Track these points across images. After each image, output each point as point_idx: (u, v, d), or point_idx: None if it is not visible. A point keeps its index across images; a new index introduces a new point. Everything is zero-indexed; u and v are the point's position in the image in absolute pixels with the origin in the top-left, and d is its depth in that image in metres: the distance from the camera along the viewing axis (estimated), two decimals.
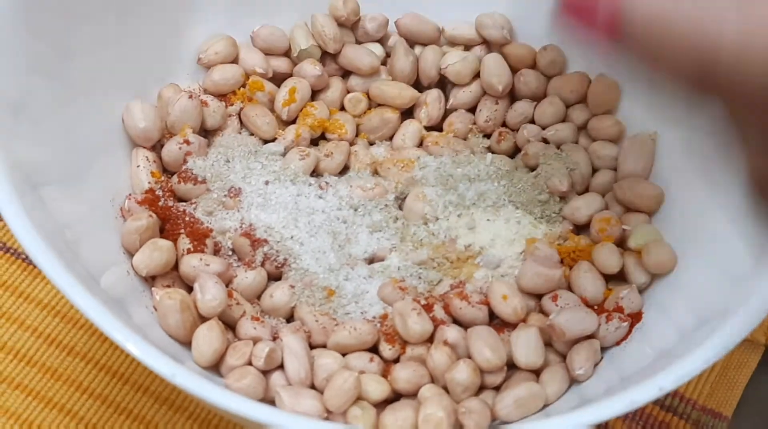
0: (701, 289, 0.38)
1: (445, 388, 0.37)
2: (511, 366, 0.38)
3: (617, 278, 0.41)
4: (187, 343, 0.38)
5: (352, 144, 0.46)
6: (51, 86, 0.39)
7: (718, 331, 0.32)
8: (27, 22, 0.38)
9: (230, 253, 0.41)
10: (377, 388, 0.37)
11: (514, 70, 0.47)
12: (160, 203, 0.41)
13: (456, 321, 0.40)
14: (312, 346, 0.39)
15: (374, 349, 0.39)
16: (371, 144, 0.47)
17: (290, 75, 0.47)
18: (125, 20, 0.43)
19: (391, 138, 0.47)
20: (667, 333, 0.38)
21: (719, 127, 0.41)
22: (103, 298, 0.33)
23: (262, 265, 0.41)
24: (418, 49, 0.48)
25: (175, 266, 0.40)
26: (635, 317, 0.40)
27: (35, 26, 0.38)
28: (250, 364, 0.37)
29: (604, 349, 0.39)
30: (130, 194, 0.42)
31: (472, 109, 0.47)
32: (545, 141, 0.45)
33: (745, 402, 0.45)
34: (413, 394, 0.37)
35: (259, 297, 0.40)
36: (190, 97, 0.43)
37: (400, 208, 0.44)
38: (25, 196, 0.34)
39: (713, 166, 0.41)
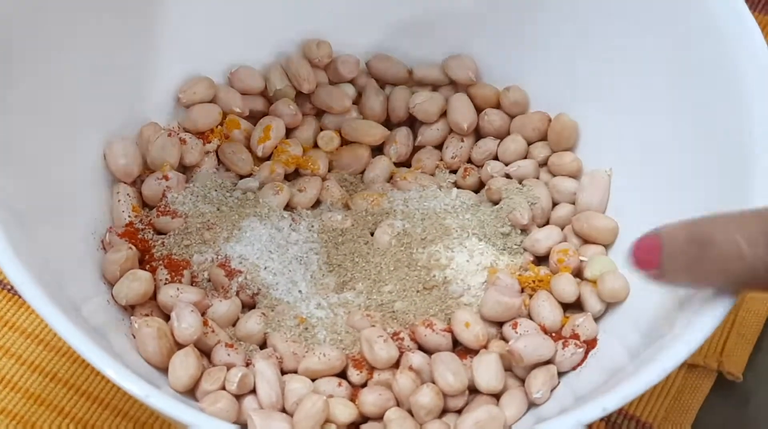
0: (650, 314, 0.40)
1: (410, 412, 0.39)
2: (473, 390, 0.40)
3: (574, 306, 0.43)
4: (164, 369, 0.39)
5: (324, 179, 0.48)
6: (36, 126, 0.41)
7: (660, 354, 0.34)
8: (11, 65, 0.40)
9: (206, 282, 0.43)
10: (345, 411, 0.39)
11: (479, 110, 0.49)
12: (140, 236, 0.43)
13: (421, 347, 0.42)
14: (283, 372, 0.41)
15: (343, 374, 0.41)
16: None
17: (266, 114, 0.49)
18: (108, 63, 0.45)
19: (362, 173, 0.49)
20: (619, 356, 0.40)
21: (670, 165, 0.43)
22: (84, 326, 0.35)
23: (237, 294, 0.43)
24: (388, 89, 0.50)
25: (154, 296, 0.42)
26: (590, 343, 0.42)
27: (19, 69, 0.41)
28: (224, 388, 0.39)
29: (561, 373, 0.41)
30: (111, 227, 0.44)
31: (439, 146, 0.49)
32: (508, 176, 0.48)
33: (698, 425, 0.47)
34: (379, 417, 0.39)
35: (233, 325, 0.42)
36: (170, 135, 0.45)
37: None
38: (11, 230, 0.35)
39: (663, 201, 0.43)
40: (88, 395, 0.45)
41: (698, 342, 0.33)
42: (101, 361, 0.33)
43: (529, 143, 0.48)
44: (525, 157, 0.48)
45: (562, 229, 0.46)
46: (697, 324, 0.34)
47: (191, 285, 0.43)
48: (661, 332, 0.37)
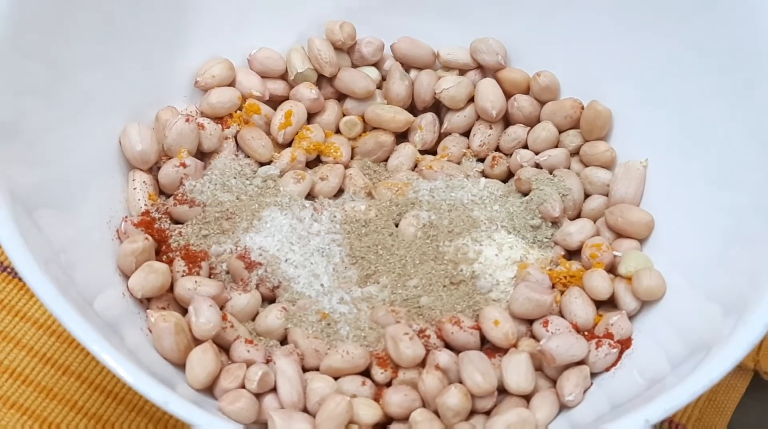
0: (690, 316, 0.38)
1: (437, 413, 0.38)
2: (502, 391, 0.39)
3: (608, 304, 0.42)
4: (181, 365, 0.38)
5: (347, 167, 0.46)
6: (45, 108, 0.40)
7: (705, 364, 0.32)
8: (19, 42, 0.38)
9: (225, 274, 0.42)
10: (369, 412, 0.37)
11: (508, 95, 0.47)
12: (156, 225, 0.42)
13: (448, 345, 0.40)
14: (305, 370, 0.39)
15: (366, 373, 0.39)
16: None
17: (287, 98, 0.47)
18: (121, 41, 0.43)
19: (385, 161, 0.47)
20: (656, 360, 0.38)
21: (709, 158, 0.42)
22: (97, 322, 0.34)
23: (257, 287, 0.41)
24: (413, 73, 0.48)
25: (170, 288, 0.40)
26: (625, 343, 0.40)
27: (28, 46, 0.39)
28: (243, 387, 0.37)
29: (594, 374, 0.39)
30: (126, 216, 0.42)
31: (466, 134, 0.48)
32: (538, 166, 0.46)
33: (733, 426, 0.45)
34: (405, 419, 0.38)
35: (253, 319, 0.41)
36: (187, 119, 0.43)
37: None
38: (20, 220, 0.34)
39: (702, 194, 0.41)
40: (101, 389, 0.44)
41: (747, 349, 0.32)
42: (114, 362, 0.32)
43: (561, 131, 0.47)
44: (556, 146, 0.46)
45: (595, 222, 0.44)
46: (744, 330, 0.32)
47: (209, 277, 0.41)
48: (702, 337, 0.35)
